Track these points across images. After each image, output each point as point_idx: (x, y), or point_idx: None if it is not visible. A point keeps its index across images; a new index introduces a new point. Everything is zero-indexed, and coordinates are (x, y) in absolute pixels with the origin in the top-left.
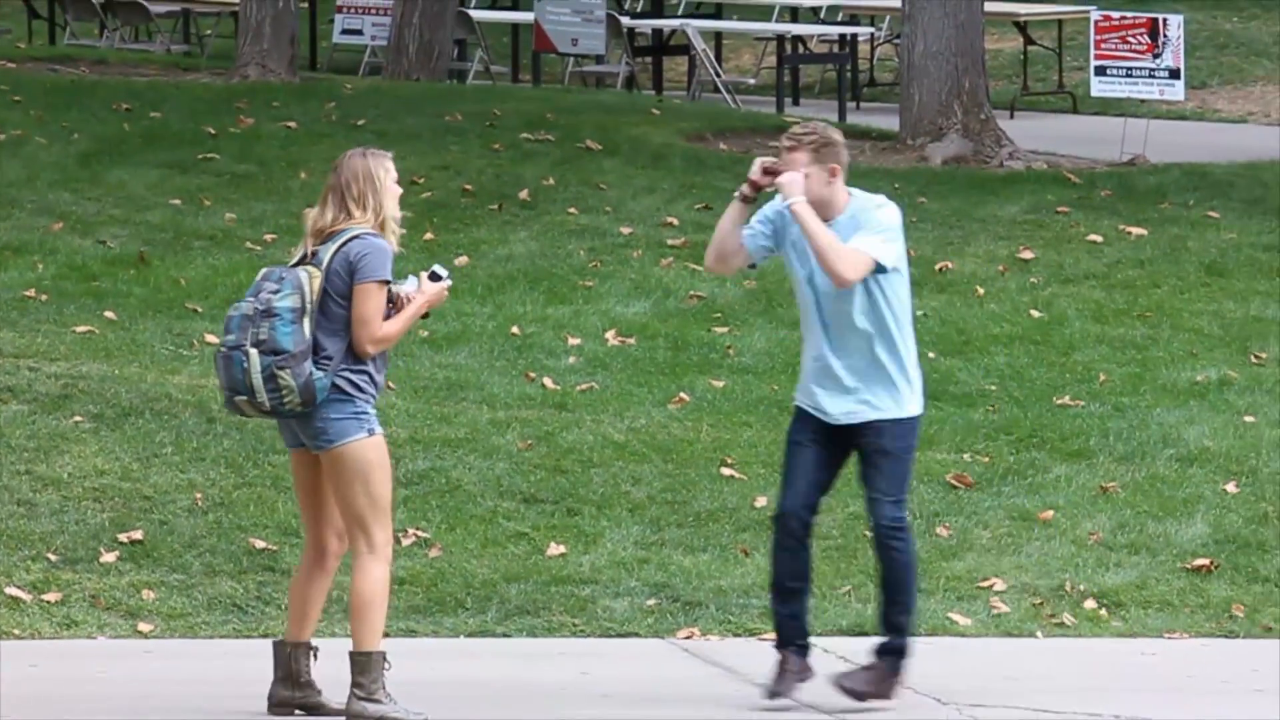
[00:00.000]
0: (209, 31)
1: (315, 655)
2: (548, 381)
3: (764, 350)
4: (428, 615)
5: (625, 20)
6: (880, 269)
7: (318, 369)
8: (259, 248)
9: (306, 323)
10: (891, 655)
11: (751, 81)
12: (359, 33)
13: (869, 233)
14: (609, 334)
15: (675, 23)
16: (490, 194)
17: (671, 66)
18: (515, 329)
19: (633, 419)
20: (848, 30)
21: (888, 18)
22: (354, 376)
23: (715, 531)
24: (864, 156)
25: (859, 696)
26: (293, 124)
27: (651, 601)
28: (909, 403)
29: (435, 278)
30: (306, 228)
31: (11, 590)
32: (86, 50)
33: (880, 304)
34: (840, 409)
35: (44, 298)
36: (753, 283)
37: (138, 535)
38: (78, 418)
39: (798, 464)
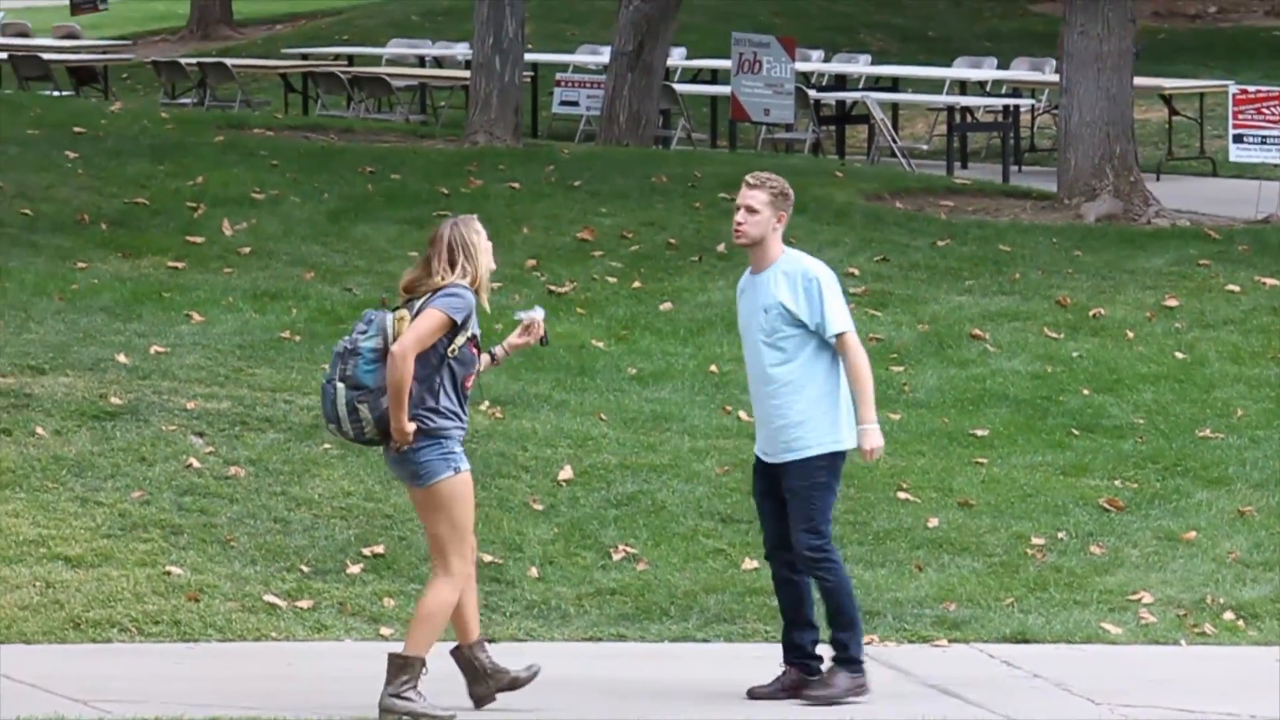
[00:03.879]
0: (443, 103)
1: (487, 643)
2: (742, 414)
3: (935, 387)
4: (635, 622)
5: (812, 93)
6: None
7: None
8: None
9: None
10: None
11: (925, 147)
12: (575, 104)
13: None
14: None
15: (857, 95)
16: (691, 247)
17: (853, 134)
18: (714, 367)
19: None
20: (1011, 102)
21: (1047, 90)
22: (437, 418)
23: (892, 549)
24: (1025, 214)
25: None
26: (516, 185)
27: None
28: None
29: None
30: (400, 286)
31: (269, 597)
32: (335, 120)
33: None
34: None
35: (297, 338)
36: (926, 326)
37: (380, 549)
38: (326, 445)
39: None
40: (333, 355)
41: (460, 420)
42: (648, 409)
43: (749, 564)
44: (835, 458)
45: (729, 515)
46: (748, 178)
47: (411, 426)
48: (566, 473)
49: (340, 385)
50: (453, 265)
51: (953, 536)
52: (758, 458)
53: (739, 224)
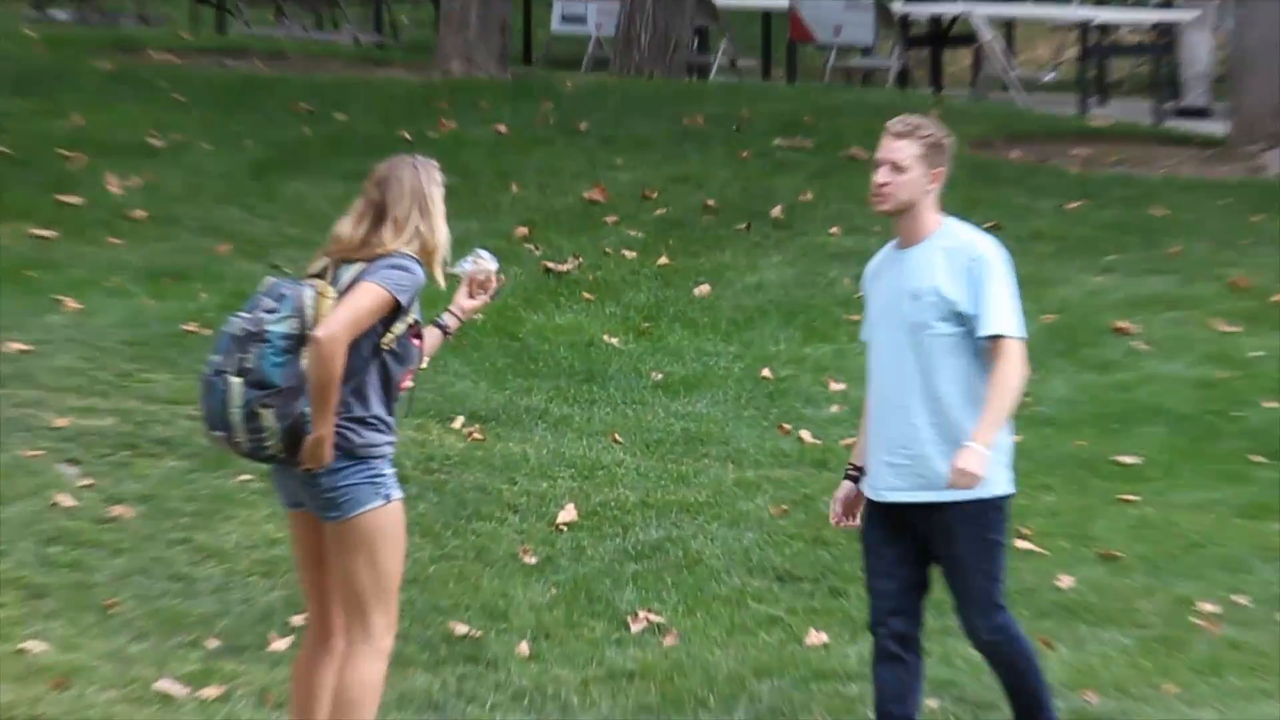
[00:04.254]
0: (405, 19)
1: None
2: (806, 434)
3: (1067, 398)
4: (661, 716)
5: (897, 5)
6: None
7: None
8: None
9: (305, 354)
10: None
11: (1048, 78)
12: (581, 21)
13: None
14: None
15: (958, 8)
16: (737, 211)
17: (952, 60)
18: (766, 371)
19: None
20: (1165, 16)
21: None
22: (363, 430)
23: None
24: (1185, 166)
25: None
26: (502, 128)
27: (934, 703)
28: None
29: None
30: (335, 235)
31: (164, 684)
32: (261, 41)
33: None
34: None
35: (208, 333)
36: (1053, 316)
37: None
38: (245, 476)
39: None
40: (222, 338)
41: (391, 433)
42: (678, 427)
43: (815, 637)
44: (1003, 503)
45: (788, 571)
46: (891, 125)
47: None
48: (568, 513)
49: (235, 380)
50: (402, 226)
51: (1092, 601)
52: (871, 498)
53: (880, 185)
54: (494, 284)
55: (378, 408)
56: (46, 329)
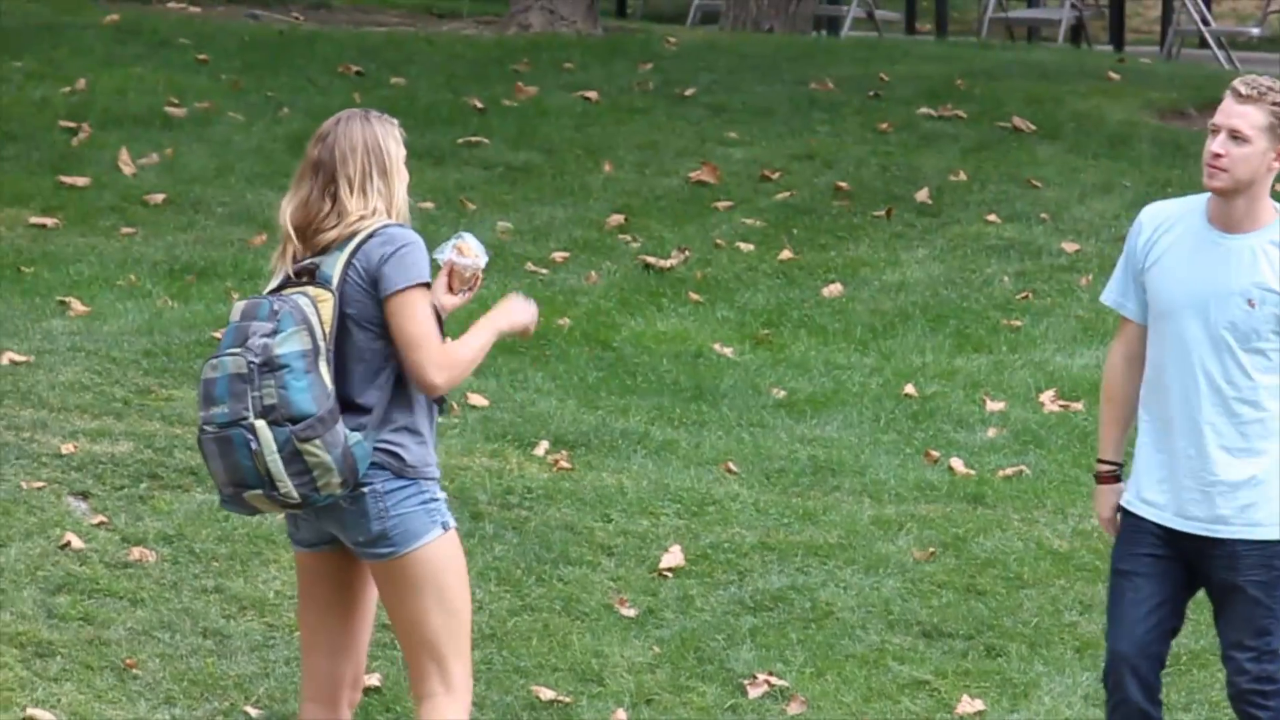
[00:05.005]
0: None
1: None
2: (957, 464)
3: None
4: None
5: None
6: None
7: (351, 430)
8: (544, 270)
9: (324, 368)
10: None
11: (1255, 32)
12: None
13: None
14: (1045, 395)
15: None
16: (875, 195)
17: (1137, 11)
18: (910, 388)
19: (1080, 518)
20: None
21: None
22: (409, 441)
23: (1203, 682)
24: None
25: None
26: (592, 95)
27: None
28: None
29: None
30: (285, 225)
31: None
32: None
33: None
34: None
35: None
36: None
37: (373, 680)
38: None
39: None
40: (217, 384)
41: (431, 440)
42: (804, 455)
43: (968, 704)
44: None
45: (935, 626)
46: (1236, 84)
47: (518, 318)
48: (674, 557)
49: (261, 424)
50: (363, 188)
51: None
52: (1145, 518)
53: (1217, 156)
54: (480, 280)
55: (423, 417)
56: (48, 336)
